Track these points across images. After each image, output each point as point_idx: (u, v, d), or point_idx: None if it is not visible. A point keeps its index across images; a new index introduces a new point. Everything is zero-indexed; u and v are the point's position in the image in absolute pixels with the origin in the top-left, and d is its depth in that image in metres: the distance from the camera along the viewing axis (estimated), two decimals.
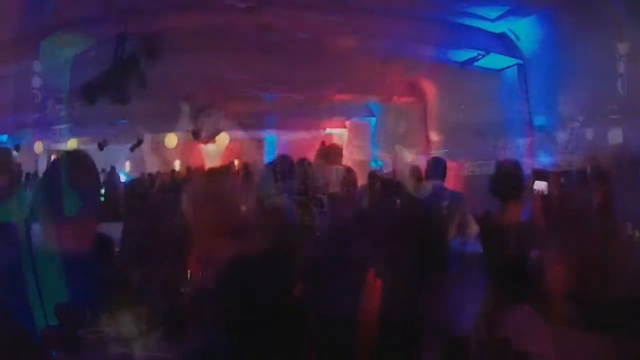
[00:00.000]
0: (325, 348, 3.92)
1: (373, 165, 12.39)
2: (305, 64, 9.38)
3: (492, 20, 7.19)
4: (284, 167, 6.95)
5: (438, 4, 6.84)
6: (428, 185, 7.63)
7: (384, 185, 6.78)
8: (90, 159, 3.08)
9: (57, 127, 15.31)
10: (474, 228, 6.54)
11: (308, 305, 3.60)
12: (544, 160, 7.79)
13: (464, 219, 6.66)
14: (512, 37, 7.49)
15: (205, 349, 2.76)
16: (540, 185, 5.79)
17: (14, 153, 15.78)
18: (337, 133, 15.98)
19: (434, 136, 10.61)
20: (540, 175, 6.25)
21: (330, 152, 7.82)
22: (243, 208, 3.15)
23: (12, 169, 6.06)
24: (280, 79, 10.67)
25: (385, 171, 10.38)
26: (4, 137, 16.75)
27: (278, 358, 2.81)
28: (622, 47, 6.75)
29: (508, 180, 5.02)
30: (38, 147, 16.96)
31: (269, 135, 19.33)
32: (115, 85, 7.20)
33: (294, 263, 3.99)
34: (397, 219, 6.56)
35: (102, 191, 19.25)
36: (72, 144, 16.77)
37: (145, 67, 7.03)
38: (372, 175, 10.09)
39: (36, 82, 10.24)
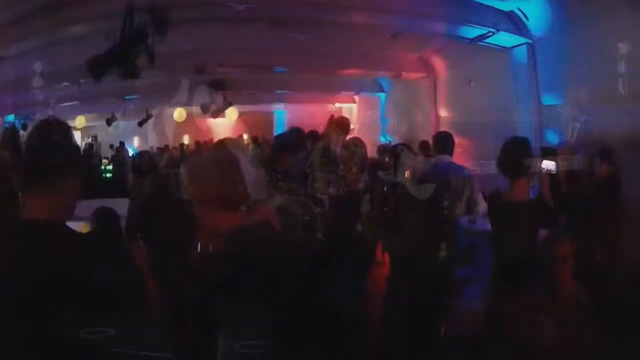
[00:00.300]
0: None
1: (382, 140, 12.40)
2: (316, 37, 9.37)
3: None
4: (298, 139, 6.99)
5: None
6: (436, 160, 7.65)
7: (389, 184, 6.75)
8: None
9: (65, 104, 14.90)
10: (482, 205, 6.55)
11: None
12: (552, 139, 7.78)
13: (472, 196, 6.65)
14: (521, 15, 7.44)
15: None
16: (548, 164, 5.78)
17: (21, 132, 16.69)
18: (347, 107, 16.12)
19: (443, 112, 10.61)
20: (548, 153, 6.24)
21: (340, 124, 7.84)
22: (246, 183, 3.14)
23: (20, 146, 5.90)
24: (290, 53, 10.66)
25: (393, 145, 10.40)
26: (11, 117, 16.68)
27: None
28: (628, 31, 6.74)
29: (516, 158, 4.96)
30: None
31: (279, 109, 19.42)
32: (124, 60, 6.99)
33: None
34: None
35: (110, 167, 19.26)
36: (80, 121, 16.95)
37: (154, 41, 6.84)
38: (381, 150, 10.11)
39: (38, 65, 10.31)
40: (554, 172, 5.74)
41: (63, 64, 10.52)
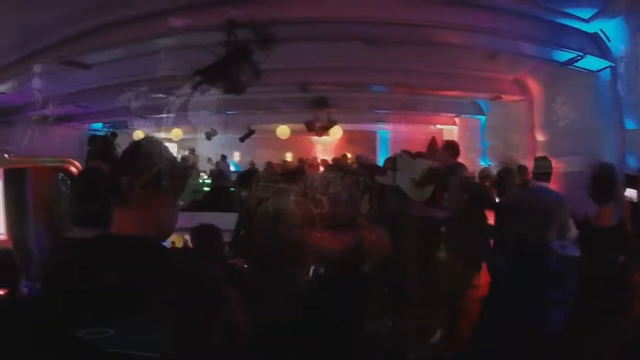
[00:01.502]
0: None
1: (482, 164, 12.37)
2: (415, 57, 9.48)
3: (586, 21, 7.09)
4: None
5: (538, 2, 6.80)
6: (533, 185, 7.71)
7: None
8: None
9: (159, 115, 15.45)
10: (573, 231, 6.57)
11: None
12: (633, 164, 7.67)
13: (564, 222, 6.69)
14: (604, 38, 7.38)
15: None
16: (630, 192, 5.79)
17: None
18: (447, 129, 16.14)
19: (539, 136, 10.51)
20: (631, 181, 6.22)
21: (450, 147, 7.97)
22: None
23: (115, 156, 5.98)
24: (391, 73, 10.77)
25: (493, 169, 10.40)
26: (98, 125, 16.94)
27: None
28: None
29: (603, 185, 5.07)
30: (138, 135, 16.93)
31: (382, 129, 19.52)
32: (229, 75, 7.16)
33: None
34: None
35: (210, 181, 19.46)
36: (176, 133, 17.25)
37: (259, 57, 6.99)
38: (484, 174, 10.15)
39: (128, 74, 10.52)
40: (634, 200, 5.75)
41: (158, 74, 10.80)
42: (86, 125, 16.26)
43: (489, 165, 11.85)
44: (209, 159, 20.92)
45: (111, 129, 16.89)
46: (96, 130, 16.83)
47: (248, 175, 13.16)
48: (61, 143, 14.91)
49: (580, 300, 4.89)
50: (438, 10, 6.91)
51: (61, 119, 14.68)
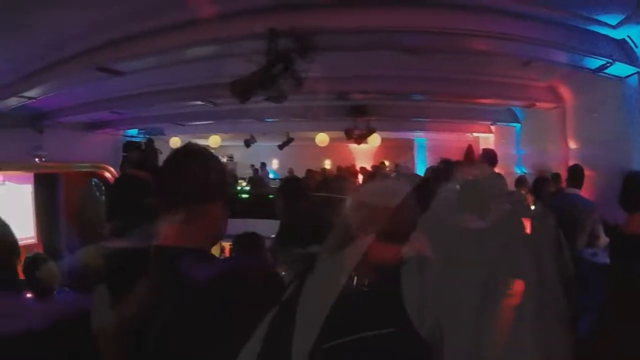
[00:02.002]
0: None
1: (518, 172, 12.40)
2: (453, 66, 9.56)
3: (614, 27, 7.10)
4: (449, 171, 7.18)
5: (567, 9, 6.82)
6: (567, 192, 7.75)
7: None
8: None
9: (195, 122, 15.63)
10: (603, 239, 6.68)
11: None
12: None
13: (595, 229, 6.80)
14: (631, 44, 7.38)
15: None
16: None
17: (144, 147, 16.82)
18: (484, 137, 16.18)
19: (572, 143, 10.53)
20: None
21: (488, 156, 8.03)
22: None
23: (158, 165, 5.77)
24: (430, 81, 10.84)
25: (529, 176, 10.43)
26: (133, 131, 16.87)
27: None
28: None
29: (633, 192, 5.10)
30: (175, 142, 17.07)
31: (419, 136, 19.59)
32: (271, 83, 7.22)
33: None
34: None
35: (249, 188, 19.39)
36: (214, 140, 17.27)
37: (299, 65, 7.02)
38: (519, 182, 10.20)
39: (166, 81, 10.58)
40: None
41: (195, 82, 10.91)
42: (121, 131, 16.33)
43: (524, 172, 11.88)
44: (252, 166, 21.13)
45: (147, 136, 16.76)
46: (131, 136, 16.81)
47: (294, 183, 13.14)
48: (95, 149, 15.39)
49: (610, 307, 4.97)
50: (475, 18, 6.96)
51: (95, 125, 14.92)
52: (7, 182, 14.11)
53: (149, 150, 9.28)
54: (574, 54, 7.69)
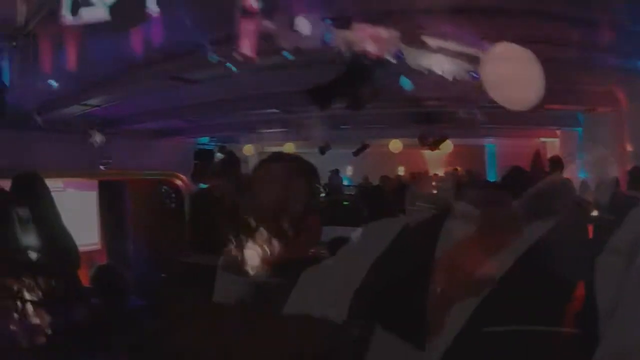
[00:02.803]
0: None
1: (581, 176, 12.50)
2: None
3: None
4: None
5: (620, 12, 6.69)
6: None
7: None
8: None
9: (269, 130, 15.15)
10: None
11: None
12: None
13: None
14: None
15: None
16: None
17: (217, 154, 16.41)
18: (550, 142, 16.31)
19: (629, 146, 10.96)
20: None
21: (556, 161, 8.08)
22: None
23: (242, 176, 5.87)
24: None
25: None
26: (204, 139, 16.73)
27: None
28: None
29: None
30: (248, 150, 17.16)
31: (489, 143, 19.81)
32: (351, 91, 7.24)
33: None
34: None
35: (324, 194, 19.27)
36: (288, 147, 16.89)
37: (378, 74, 6.97)
38: (584, 186, 10.42)
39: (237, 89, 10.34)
40: None
41: (270, 90, 10.79)
42: (191, 139, 16.18)
43: (586, 177, 11.95)
44: (331, 172, 20.65)
45: (219, 144, 16.88)
46: (203, 144, 16.71)
47: (376, 192, 13.08)
48: (164, 156, 14.97)
49: None
50: (540, 25, 7.17)
51: (164, 132, 14.70)
52: (68, 189, 13.65)
53: (231, 159, 9.30)
54: (629, 58, 7.94)
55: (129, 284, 6.21)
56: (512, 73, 6.08)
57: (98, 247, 14.37)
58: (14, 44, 6.47)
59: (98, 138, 12.22)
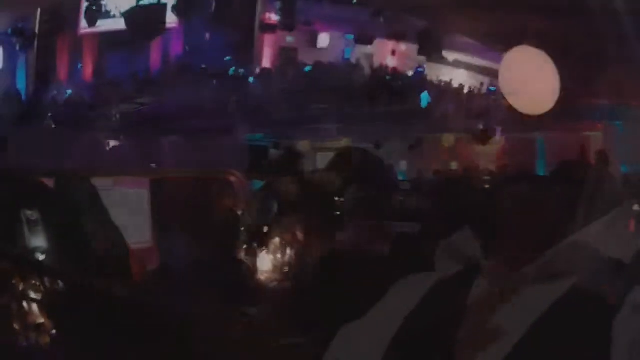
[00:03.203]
0: None
1: (623, 170, 12.73)
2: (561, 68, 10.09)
3: None
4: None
5: None
6: None
7: None
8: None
9: (324, 126, 15.20)
10: None
11: None
12: None
13: None
14: None
15: None
16: None
17: (271, 151, 16.17)
18: (594, 135, 16.42)
19: None
20: None
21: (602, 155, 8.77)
22: None
23: (304, 172, 5.91)
24: None
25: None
26: (258, 136, 16.73)
27: None
28: None
29: None
30: (305, 145, 16.73)
31: (539, 137, 19.71)
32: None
33: None
34: None
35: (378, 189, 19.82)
36: (345, 143, 16.66)
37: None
38: (627, 181, 10.79)
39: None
40: None
41: (325, 85, 11.18)
42: (245, 136, 16.13)
43: (626, 171, 12.23)
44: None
45: (273, 139, 16.81)
46: (256, 140, 16.66)
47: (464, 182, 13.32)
48: (217, 154, 14.68)
49: None
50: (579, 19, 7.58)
51: (218, 130, 14.80)
52: (116, 187, 14.02)
53: (295, 156, 8.87)
54: None
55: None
56: (528, 78, 6.45)
57: (149, 245, 14.46)
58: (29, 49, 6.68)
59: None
